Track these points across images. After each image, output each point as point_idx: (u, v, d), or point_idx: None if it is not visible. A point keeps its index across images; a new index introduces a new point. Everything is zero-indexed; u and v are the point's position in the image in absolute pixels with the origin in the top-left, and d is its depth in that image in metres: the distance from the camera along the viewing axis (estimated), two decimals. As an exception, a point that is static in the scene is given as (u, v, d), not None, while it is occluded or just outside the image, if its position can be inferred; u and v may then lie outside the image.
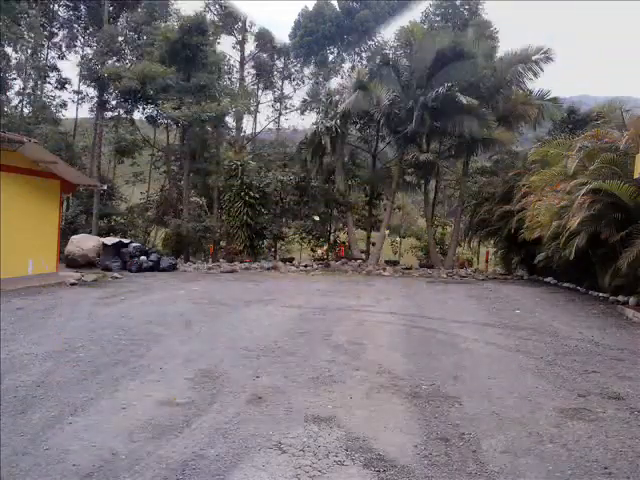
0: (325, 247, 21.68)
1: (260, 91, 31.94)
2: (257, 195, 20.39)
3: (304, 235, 21.79)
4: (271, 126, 33.76)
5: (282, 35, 49.85)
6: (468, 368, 5.77)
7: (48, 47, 28.28)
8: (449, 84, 17.55)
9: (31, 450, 3.48)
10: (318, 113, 21.16)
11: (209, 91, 22.55)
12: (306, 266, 18.98)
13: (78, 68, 28.30)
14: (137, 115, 25.69)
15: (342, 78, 31.20)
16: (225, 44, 56.45)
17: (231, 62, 28.95)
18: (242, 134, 29.91)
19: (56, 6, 28.44)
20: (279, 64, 32.02)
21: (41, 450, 3.49)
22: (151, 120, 24.60)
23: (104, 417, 4.07)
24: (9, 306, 8.86)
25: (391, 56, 22.81)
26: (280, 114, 32.82)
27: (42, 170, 12.72)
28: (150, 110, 23.84)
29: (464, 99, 17.08)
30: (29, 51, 26.03)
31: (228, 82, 27.81)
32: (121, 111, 25.97)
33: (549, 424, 4.18)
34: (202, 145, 24.74)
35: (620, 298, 11.43)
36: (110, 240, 16.99)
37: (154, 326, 7.64)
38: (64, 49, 29.28)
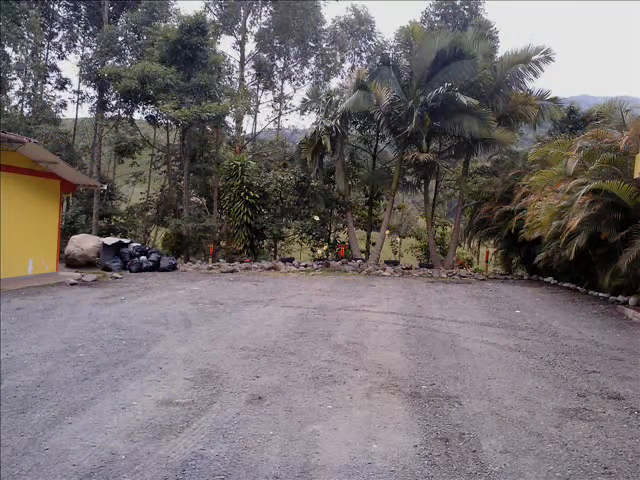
0: (325, 247, 21.67)
1: (260, 91, 31.95)
2: (257, 195, 20.41)
3: (304, 235, 21.79)
4: (271, 126, 33.79)
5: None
6: (468, 368, 5.77)
7: (48, 47, 28.29)
8: (449, 84, 17.56)
9: (31, 450, 3.48)
10: (318, 113, 21.10)
11: (209, 91, 22.56)
12: (306, 266, 18.97)
13: (78, 68, 28.38)
14: (137, 115, 25.74)
15: (342, 78, 31.22)
16: (225, 44, 56.48)
17: (231, 62, 28.95)
18: (242, 134, 29.87)
19: (56, 6, 28.42)
20: (279, 64, 32.01)
21: (41, 450, 3.49)
22: (151, 120, 24.61)
23: (104, 417, 4.07)
24: (9, 306, 8.88)
25: (391, 56, 22.77)
26: (280, 114, 32.82)
27: (42, 170, 12.74)
28: (150, 110, 23.86)
29: (464, 99, 17.08)
30: (29, 51, 26.04)
31: (228, 82, 27.80)
32: (121, 111, 25.96)
33: (549, 424, 4.18)
34: (202, 145, 24.79)
35: (620, 298, 11.45)
36: (110, 240, 16.99)
37: (154, 326, 7.65)
38: (64, 49, 29.32)
